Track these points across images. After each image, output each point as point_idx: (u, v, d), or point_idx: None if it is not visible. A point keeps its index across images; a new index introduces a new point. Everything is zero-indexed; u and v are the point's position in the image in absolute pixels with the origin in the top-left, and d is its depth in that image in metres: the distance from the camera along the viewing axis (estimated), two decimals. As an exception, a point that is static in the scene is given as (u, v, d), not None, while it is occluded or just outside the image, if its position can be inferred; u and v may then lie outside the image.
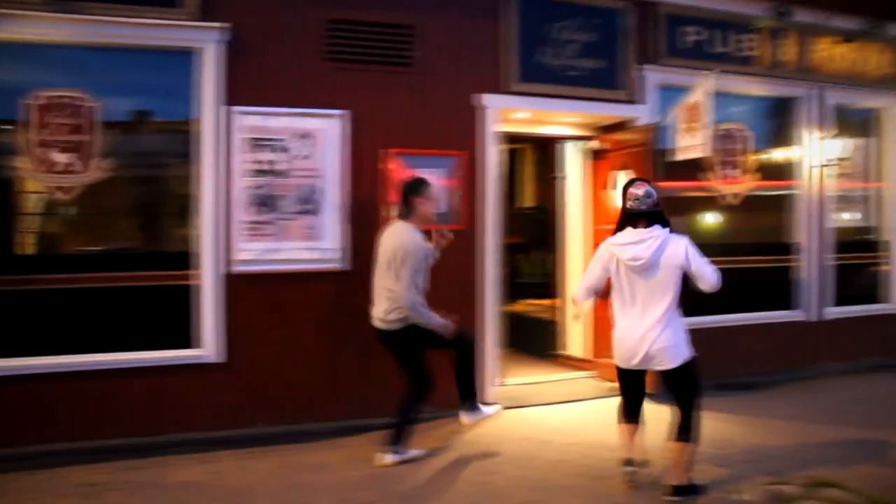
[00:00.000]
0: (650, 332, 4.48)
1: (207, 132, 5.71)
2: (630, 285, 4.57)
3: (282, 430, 5.87)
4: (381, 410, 6.10)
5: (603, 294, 4.94)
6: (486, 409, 5.61)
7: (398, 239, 5.12)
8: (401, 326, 5.18)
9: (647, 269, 4.50)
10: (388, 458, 5.23)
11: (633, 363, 4.59)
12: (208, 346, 5.73)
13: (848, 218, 8.89)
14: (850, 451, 5.49)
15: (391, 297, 5.13)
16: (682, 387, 4.61)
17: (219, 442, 5.62)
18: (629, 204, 4.65)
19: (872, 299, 8.88)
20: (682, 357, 4.52)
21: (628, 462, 4.86)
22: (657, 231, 4.54)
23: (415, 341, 5.27)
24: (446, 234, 5.67)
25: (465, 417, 5.55)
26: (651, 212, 4.59)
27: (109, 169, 5.55)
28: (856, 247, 8.85)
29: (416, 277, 5.10)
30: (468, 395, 5.52)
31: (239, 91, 5.78)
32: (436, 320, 5.15)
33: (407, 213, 5.26)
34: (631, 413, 4.89)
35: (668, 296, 4.50)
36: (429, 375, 5.35)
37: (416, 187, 5.26)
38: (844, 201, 8.79)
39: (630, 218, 4.64)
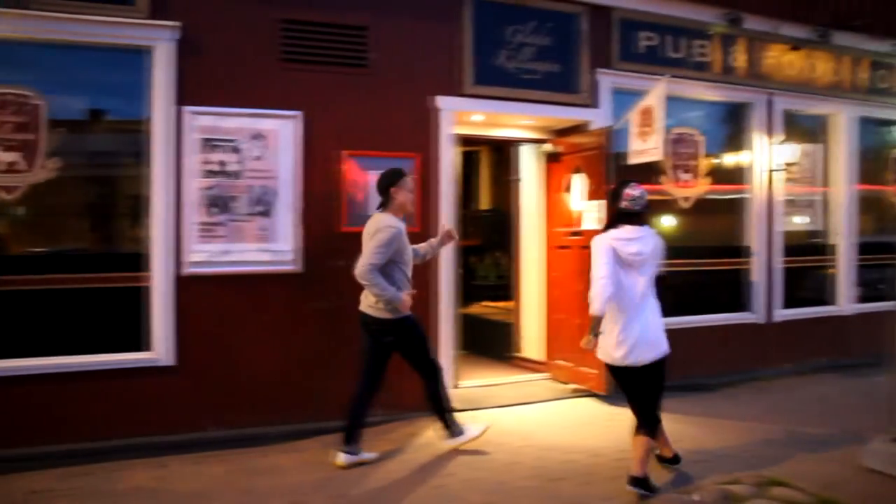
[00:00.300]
0: (654, 324, 4.74)
1: (159, 132, 5.63)
2: (631, 281, 4.72)
3: (235, 434, 5.79)
4: (335, 413, 6.06)
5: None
6: (470, 431, 5.58)
7: (373, 224, 5.22)
8: (383, 316, 5.21)
9: (643, 263, 4.72)
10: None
11: (648, 358, 4.68)
12: (159, 348, 5.64)
13: (797, 222, 9.05)
14: (798, 450, 5.58)
15: None
16: (659, 378, 4.78)
17: (170, 446, 5.53)
18: (625, 204, 4.82)
19: (821, 301, 9.05)
20: (666, 347, 4.77)
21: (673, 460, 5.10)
22: (648, 229, 4.85)
23: (408, 336, 5.36)
24: (453, 233, 5.75)
25: (449, 442, 5.54)
26: (643, 211, 4.86)
27: (57, 168, 5.43)
28: (805, 250, 9.02)
29: (394, 262, 5.15)
30: (450, 421, 5.54)
31: (191, 91, 5.70)
32: (392, 293, 5.08)
33: (385, 203, 5.32)
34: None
35: (653, 288, 4.80)
36: (432, 363, 5.48)
37: (393, 178, 5.32)
38: (794, 206, 8.96)
39: (625, 216, 4.80)
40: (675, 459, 5.17)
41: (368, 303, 5.29)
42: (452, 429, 5.54)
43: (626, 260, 4.68)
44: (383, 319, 5.24)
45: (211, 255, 5.75)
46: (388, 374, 5.57)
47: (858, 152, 9.24)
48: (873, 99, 9.29)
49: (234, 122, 5.79)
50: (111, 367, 5.54)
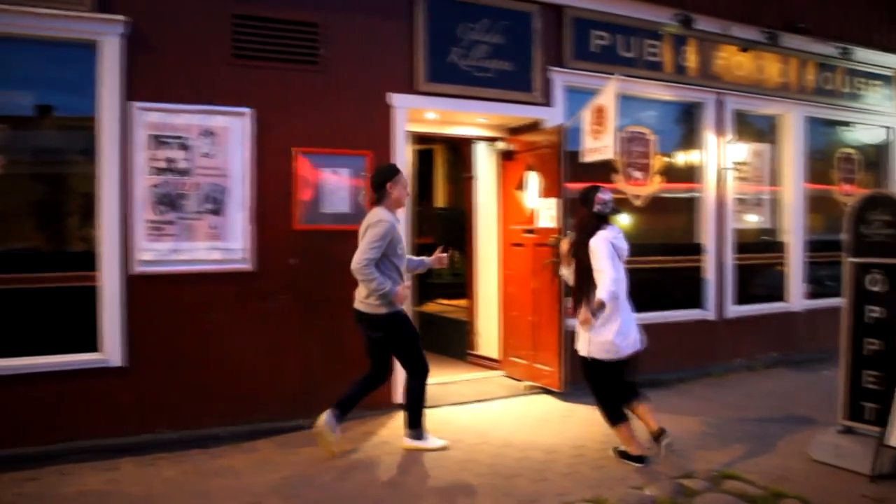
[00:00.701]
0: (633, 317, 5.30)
1: (106, 128, 5.51)
2: (622, 276, 5.19)
3: (188, 435, 5.70)
4: (289, 412, 6.05)
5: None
6: (431, 440, 5.58)
7: (369, 218, 5.35)
8: (375, 311, 5.29)
9: (623, 260, 5.24)
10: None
11: (636, 348, 5.27)
12: (108, 349, 5.53)
13: (749, 220, 9.19)
14: (750, 444, 5.66)
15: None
16: (634, 368, 5.32)
17: (121, 449, 5.42)
18: (598, 208, 5.21)
19: (772, 298, 9.20)
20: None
21: (659, 435, 5.21)
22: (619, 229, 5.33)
23: (397, 332, 5.42)
24: (445, 261, 5.86)
25: (408, 442, 5.55)
26: (614, 214, 5.37)
27: (2, 166, 5.30)
28: (756, 248, 9.17)
29: (386, 256, 5.25)
30: (417, 422, 5.56)
31: (140, 86, 5.60)
32: (388, 287, 5.18)
33: (381, 197, 5.45)
34: (629, 398, 5.31)
35: None
36: (420, 364, 5.53)
37: (389, 173, 5.50)
38: (745, 204, 9.09)
39: (600, 220, 5.20)
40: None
41: (360, 298, 5.38)
42: (417, 431, 5.54)
43: (620, 256, 5.17)
44: (373, 315, 5.32)
45: (161, 253, 5.65)
46: (342, 372, 5.73)
47: (807, 152, 9.42)
48: (820, 100, 9.48)
49: (183, 118, 5.69)
50: (60, 368, 5.41)
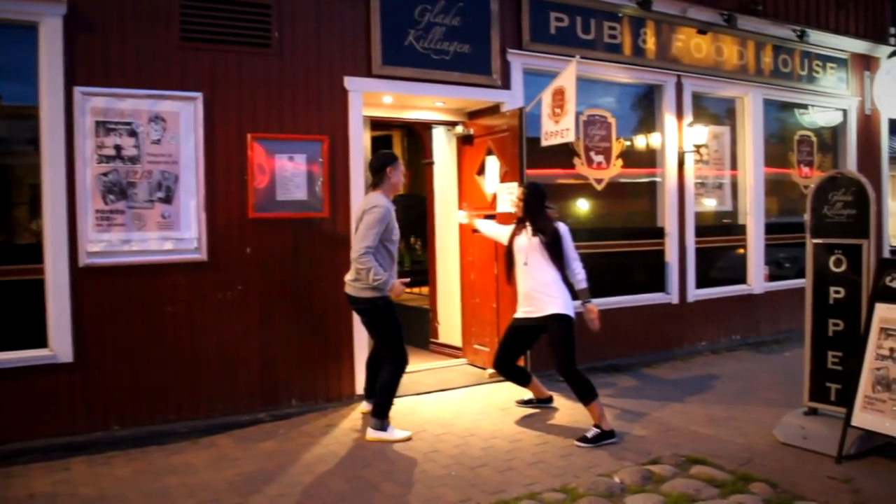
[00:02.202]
0: None
1: (48, 114, 5.24)
2: None
3: (143, 432, 5.51)
4: (248, 406, 5.92)
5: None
6: (395, 432, 5.49)
7: (366, 203, 5.45)
8: (363, 295, 5.38)
9: None
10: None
11: None
12: (56, 345, 5.30)
13: (709, 203, 9.20)
14: (716, 427, 5.65)
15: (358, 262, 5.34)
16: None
17: (72, 448, 5.21)
18: (547, 202, 5.84)
19: (733, 281, 9.24)
20: None
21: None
22: None
23: (378, 318, 5.50)
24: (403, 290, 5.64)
25: (372, 433, 5.45)
26: None
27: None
28: (717, 231, 9.20)
29: (382, 242, 5.34)
30: (383, 412, 5.47)
31: (84, 70, 5.35)
32: (385, 278, 5.26)
33: (379, 181, 5.55)
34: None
35: None
36: (400, 353, 5.56)
37: (389, 158, 5.65)
38: (705, 187, 9.10)
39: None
40: (548, 399, 6.29)
41: (348, 280, 5.49)
42: (382, 421, 5.45)
43: None
44: (358, 298, 5.42)
45: (110, 244, 5.43)
46: (302, 364, 5.78)
47: (764, 135, 9.46)
48: (777, 83, 9.52)
49: (130, 103, 5.45)
50: (6, 366, 5.15)
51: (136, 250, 5.52)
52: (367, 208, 5.33)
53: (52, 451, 5.15)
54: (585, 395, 5.41)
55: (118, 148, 5.43)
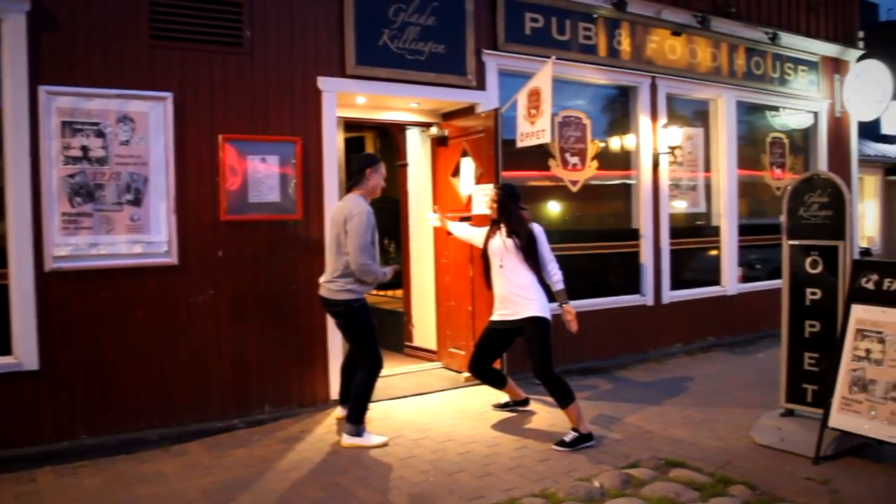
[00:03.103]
0: None
1: (13, 114, 5.08)
2: None
3: (112, 441, 5.36)
4: (221, 413, 5.80)
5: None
6: (371, 438, 5.41)
7: (347, 207, 5.32)
8: (339, 298, 5.33)
9: None
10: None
11: None
12: (21, 352, 5.13)
13: (684, 205, 9.22)
14: (693, 430, 5.63)
15: (337, 265, 5.34)
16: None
17: (39, 458, 5.06)
18: (521, 204, 5.81)
19: (707, 282, 9.26)
20: None
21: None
22: None
23: (352, 321, 5.42)
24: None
25: (347, 439, 5.36)
26: None
27: None
28: (691, 232, 9.23)
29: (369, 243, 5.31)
30: (358, 417, 5.39)
31: (49, 69, 5.19)
32: (384, 275, 5.42)
33: (357, 182, 5.47)
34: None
35: None
36: (374, 357, 5.47)
37: (370, 160, 5.58)
38: (680, 189, 9.12)
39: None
40: (525, 401, 6.28)
41: (322, 282, 5.45)
42: (357, 427, 5.36)
43: None
44: (333, 300, 5.37)
45: (77, 248, 5.28)
46: (275, 369, 5.77)
47: (738, 136, 9.51)
48: (750, 85, 9.57)
49: (97, 103, 5.31)
50: (-34, 375, 5.01)
51: (105, 254, 5.38)
52: (352, 214, 5.23)
53: (16, 461, 4.99)
54: (563, 398, 5.36)
55: (85, 149, 5.29)
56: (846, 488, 4.40)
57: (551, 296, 5.64)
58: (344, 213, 5.30)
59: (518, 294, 5.55)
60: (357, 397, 5.37)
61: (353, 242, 5.20)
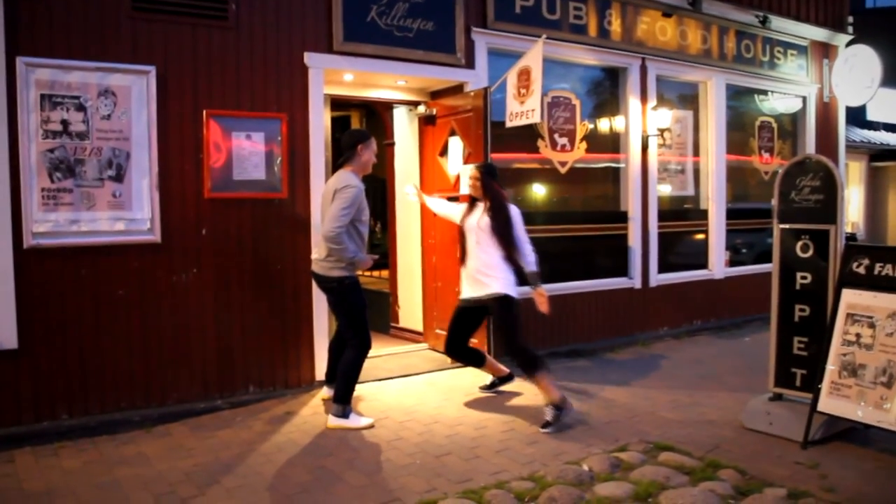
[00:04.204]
0: None
1: (-13, 86, 4.95)
2: None
3: (94, 421, 5.27)
4: (204, 393, 5.74)
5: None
6: (358, 419, 5.37)
7: (335, 181, 5.29)
8: (330, 274, 5.27)
9: None
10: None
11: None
12: (0, 331, 5.01)
13: (672, 188, 9.17)
14: (682, 413, 5.60)
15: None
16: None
17: (18, 439, 4.96)
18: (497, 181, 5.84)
19: (694, 266, 9.23)
20: None
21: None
22: None
23: (343, 298, 5.35)
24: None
25: (333, 420, 5.29)
26: None
27: None
28: (679, 215, 9.19)
29: (352, 222, 5.19)
30: (345, 397, 5.32)
31: (27, 40, 5.03)
32: (358, 256, 5.25)
33: (349, 159, 5.41)
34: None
35: None
36: (362, 333, 5.40)
37: (362, 136, 5.52)
38: (669, 172, 9.07)
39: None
40: (509, 376, 6.23)
41: (316, 259, 5.40)
42: (344, 407, 5.29)
43: None
44: (326, 277, 5.31)
45: (57, 224, 5.15)
46: (260, 349, 5.73)
47: (727, 120, 9.47)
48: (740, 68, 9.52)
49: (77, 76, 5.17)
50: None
51: (85, 231, 5.26)
52: (339, 188, 5.16)
53: (-5, 441, 4.89)
54: (531, 367, 5.38)
55: (65, 123, 5.16)
56: (835, 472, 4.38)
57: (526, 277, 5.68)
58: (334, 186, 5.24)
59: (485, 272, 5.61)
60: (344, 375, 5.30)
61: (332, 211, 5.12)
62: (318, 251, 5.41)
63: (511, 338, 5.51)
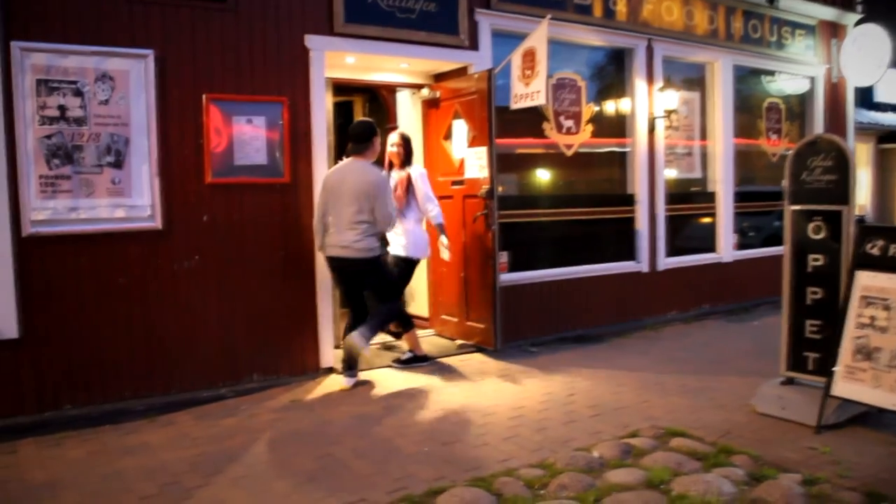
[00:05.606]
0: None
1: (-18, 71, 4.86)
2: None
3: (98, 411, 5.23)
4: (208, 381, 5.69)
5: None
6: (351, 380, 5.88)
7: (367, 176, 5.69)
8: (368, 256, 5.68)
9: None
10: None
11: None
12: (1, 320, 4.95)
13: (680, 170, 9.07)
14: (692, 398, 5.52)
15: (361, 227, 5.65)
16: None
17: (21, 429, 4.91)
18: None
19: (702, 249, 9.15)
20: None
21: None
22: None
23: (379, 269, 5.88)
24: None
25: (356, 339, 5.73)
26: None
27: None
28: (687, 198, 9.11)
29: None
30: (372, 333, 5.86)
31: (23, 23, 4.94)
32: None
33: (364, 149, 5.77)
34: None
35: None
36: (400, 294, 6.30)
37: (374, 127, 5.89)
38: (675, 154, 8.96)
39: None
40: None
41: (347, 244, 5.65)
42: (366, 341, 5.77)
43: None
44: (364, 258, 5.69)
45: (56, 212, 5.08)
46: (264, 337, 5.81)
47: (734, 102, 9.34)
48: (747, 48, 9.39)
49: (74, 60, 5.07)
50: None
51: (85, 218, 5.19)
52: (371, 177, 5.64)
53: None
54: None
55: (62, 108, 5.07)
56: (849, 457, 4.30)
57: None
58: (365, 180, 5.63)
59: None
60: (380, 315, 5.94)
61: (382, 202, 5.63)
62: (343, 237, 5.65)
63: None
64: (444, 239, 6.45)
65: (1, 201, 4.93)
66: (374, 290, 5.96)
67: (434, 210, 6.39)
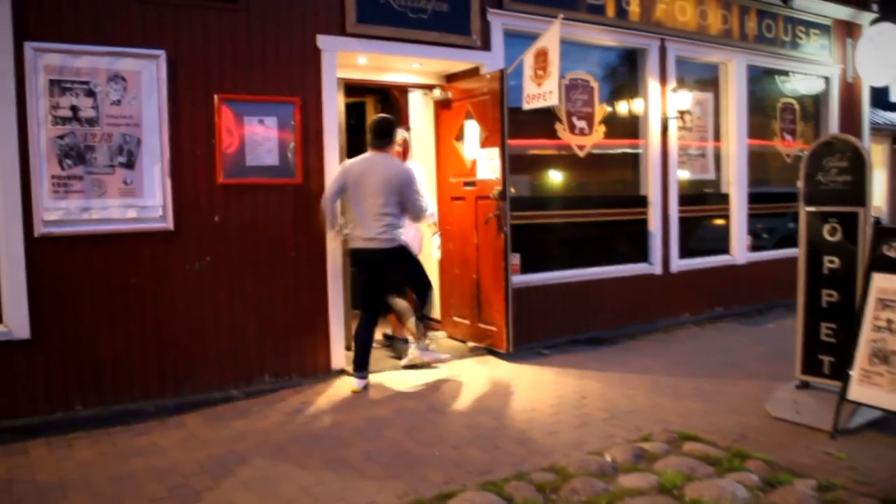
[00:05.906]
0: None
1: (-3, 72, 4.87)
2: None
3: (108, 412, 5.22)
4: (219, 383, 5.69)
5: None
6: (434, 354, 6.52)
7: (395, 169, 5.83)
8: (395, 245, 5.80)
9: None
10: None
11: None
12: (11, 321, 4.97)
13: (692, 172, 9.01)
14: (706, 402, 5.46)
15: (387, 219, 5.74)
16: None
17: (32, 430, 4.91)
18: None
19: (716, 251, 9.08)
20: None
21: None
22: None
23: (407, 257, 6.03)
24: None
25: (414, 350, 6.38)
26: None
27: None
28: (700, 200, 9.04)
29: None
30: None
31: (36, 24, 4.95)
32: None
33: (385, 145, 5.89)
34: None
35: None
36: (428, 280, 6.28)
37: (394, 122, 6.04)
38: (688, 155, 8.90)
39: None
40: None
41: (372, 236, 5.74)
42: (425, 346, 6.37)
43: None
44: (392, 248, 5.81)
45: (68, 212, 5.08)
46: (275, 338, 5.74)
47: (748, 102, 9.27)
48: (761, 48, 9.31)
49: (86, 61, 5.08)
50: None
51: (97, 219, 5.19)
52: (398, 171, 5.78)
53: (8, 433, 4.83)
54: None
55: (75, 109, 5.08)
56: (865, 463, 4.24)
57: None
58: (393, 173, 5.75)
59: None
60: (419, 298, 6.19)
61: (415, 195, 5.85)
62: (368, 230, 5.74)
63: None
64: (436, 238, 6.75)
65: (13, 201, 4.94)
66: (406, 278, 6.10)
67: (430, 207, 6.49)
